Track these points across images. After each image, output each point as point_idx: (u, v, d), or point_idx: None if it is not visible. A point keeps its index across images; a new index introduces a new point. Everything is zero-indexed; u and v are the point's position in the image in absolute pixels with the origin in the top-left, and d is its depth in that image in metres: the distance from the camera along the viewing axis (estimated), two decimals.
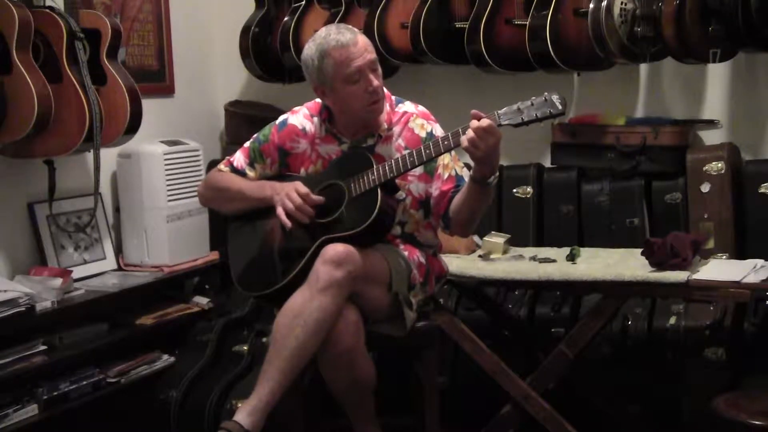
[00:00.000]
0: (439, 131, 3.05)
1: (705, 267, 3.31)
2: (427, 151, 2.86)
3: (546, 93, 2.75)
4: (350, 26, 3.01)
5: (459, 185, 2.97)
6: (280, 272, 2.99)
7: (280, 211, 2.95)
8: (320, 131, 3.09)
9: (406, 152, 2.92)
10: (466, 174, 2.95)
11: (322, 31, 2.98)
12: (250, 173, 3.13)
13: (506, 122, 2.76)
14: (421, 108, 3.12)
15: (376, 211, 2.87)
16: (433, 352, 3.13)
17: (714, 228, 3.72)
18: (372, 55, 2.95)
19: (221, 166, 3.20)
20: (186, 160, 4.08)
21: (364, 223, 2.88)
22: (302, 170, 3.09)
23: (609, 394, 3.64)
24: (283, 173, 3.12)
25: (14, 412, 3.32)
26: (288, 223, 2.94)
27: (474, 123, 2.73)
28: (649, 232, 3.89)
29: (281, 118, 3.16)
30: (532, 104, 2.75)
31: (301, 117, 3.13)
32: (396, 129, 3.05)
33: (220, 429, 2.73)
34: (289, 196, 2.94)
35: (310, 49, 2.98)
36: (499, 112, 2.76)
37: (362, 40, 2.95)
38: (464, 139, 2.74)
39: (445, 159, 2.98)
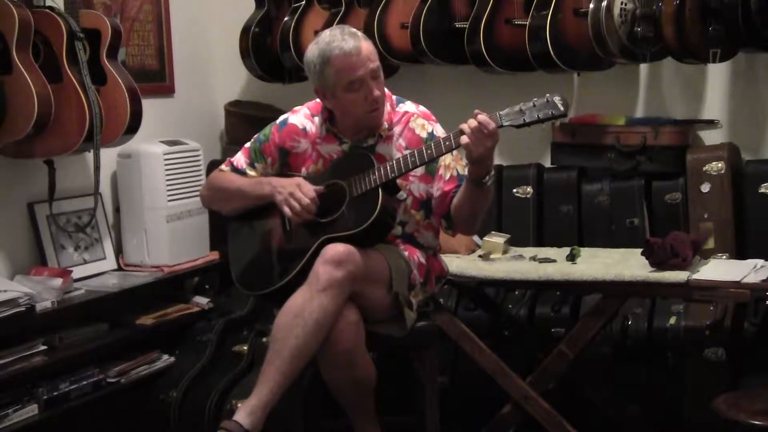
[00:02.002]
0: (440, 131, 3.05)
1: (705, 267, 3.31)
2: (429, 152, 2.86)
3: (548, 94, 2.76)
4: (355, 31, 2.98)
5: (461, 185, 2.97)
6: (281, 271, 2.99)
7: (287, 210, 2.95)
8: (321, 131, 3.09)
9: (407, 152, 2.92)
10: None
11: (327, 36, 2.96)
12: (251, 173, 3.13)
13: (508, 123, 2.76)
14: (421, 108, 3.12)
15: (377, 211, 2.87)
16: (433, 352, 3.13)
17: (714, 228, 3.72)
18: (374, 63, 2.94)
19: (222, 166, 3.20)
20: (186, 160, 4.07)
21: (365, 223, 2.88)
22: (303, 170, 3.09)
23: (609, 394, 3.64)
24: (284, 173, 3.12)
25: (14, 412, 3.31)
26: (299, 220, 2.94)
27: (473, 121, 2.74)
28: (649, 232, 3.89)
29: (281, 117, 3.17)
30: (534, 105, 2.75)
31: (302, 116, 3.13)
32: (397, 129, 3.05)
33: (219, 429, 2.73)
34: (293, 195, 2.93)
35: (312, 53, 2.96)
36: (500, 113, 2.77)
37: (366, 47, 2.93)
38: (464, 127, 2.73)
39: (446, 159, 2.98)
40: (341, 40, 2.91)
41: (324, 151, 3.08)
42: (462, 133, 2.77)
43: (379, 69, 2.97)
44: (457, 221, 2.99)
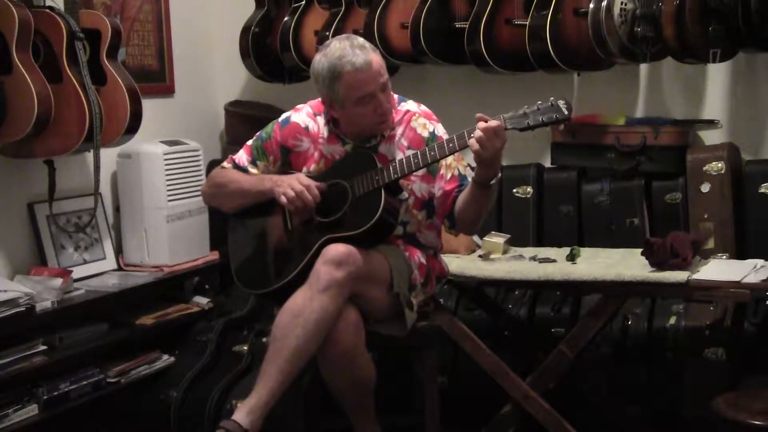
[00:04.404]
0: (441, 131, 3.05)
1: (705, 267, 3.31)
2: (432, 153, 2.87)
3: (552, 98, 2.76)
4: (363, 42, 2.95)
5: (462, 184, 2.97)
6: (281, 271, 2.99)
7: (283, 200, 2.94)
8: (324, 131, 3.08)
9: (410, 153, 2.92)
10: (469, 173, 2.95)
11: (336, 49, 2.91)
12: (253, 170, 3.13)
13: (511, 126, 2.77)
14: (423, 107, 3.12)
15: (379, 212, 2.87)
16: (433, 352, 3.13)
17: (714, 228, 3.71)
18: (384, 77, 2.92)
19: (224, 163, 3.20)
20: (186, 160, 4.08)
21: (367, 224, 2.88)
22: (304, 169, 3.09)
23: (609, 394, 3.64)
24: (285, 171, 3.11)
25: (14, 412, 3.32)
26: (291, 207, 2.94)
27: (482, 124, 2.74)
28: (649, 232, 3.89)
29: (284, 115, 3.16)
30: (538, 109, 2.76)
31: (304, 115, 3.13)
32: (399, 129, 3.05)
33: (218, 428, 2.73)
34: (291, 185, 2.93)
35: (321, 65, 2.93)
36: (504, 116, 2.77)
37: (376, 61, 2.91)
38: (473, 142, 2.74)
39: (447, 159, 2.98)
40: (352, 55, 2.88)
41: (326, 151, 3.08)
42: (468, 135, 2.77)
43: (388, 80, 2.96)
44: (460, 222, 2.99)
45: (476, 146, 2.73)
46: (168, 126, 4.32)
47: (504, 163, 4.11)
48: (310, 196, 2.92)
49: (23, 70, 3.32)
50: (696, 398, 3.41)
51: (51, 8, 3.50)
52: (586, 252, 3.63)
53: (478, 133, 2.73)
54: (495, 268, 3.48)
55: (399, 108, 3.08)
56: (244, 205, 3.11)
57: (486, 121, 2.74)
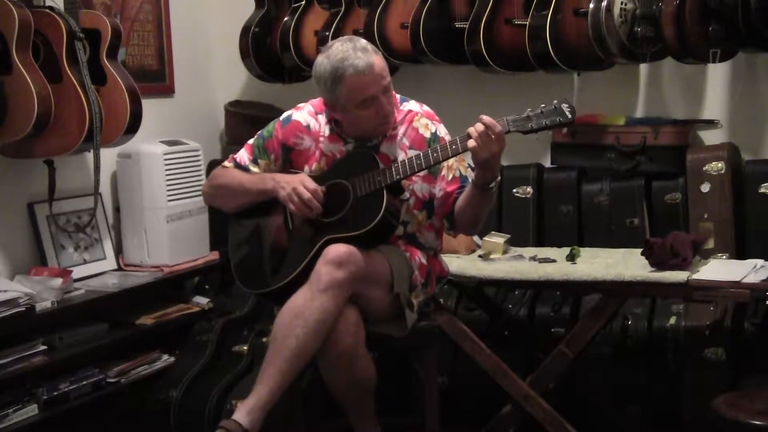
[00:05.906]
0: (443, 132, 3.05)
1: (705, 267, 3.31)
2: (435, 155, 2.87)
3: (555, 101, 2.77)
4: (365, 44, 2.94)
5: (463, 185, 2.97)
6: (282, 271, 2.99)
7: (291, 206, 2.93)
8: (325, 130, 3.08)
9: (413, 155, 2.92)
10: (470, 174, 2.95)
11: (338, 51, 2.90)
12: (254, 169, 3.12)
13: (515, 129, 2.77)
14: (425, 108, 3.12)
15: (381, 213, 2.87)
16: (433, 352, 3.13)
17: (714, 228, 3.72)
18: (386, 79, 2.92)
19: (225, 162, 3.19)
20: (186, 160, 4.08)
21: (369, 225, 2.88)
22: (306, 168, 3.08)
23: (609, 394, 3.64)
24: (287, 170, 3.11)
25: (14, 412, 3.32)
26: (304, 215, 2.93)
27: (479, 125, 2.75)
28: (649, 232, 3.89)
29: (285, 114, 3.15)
30: (542, 112, 2.76)
31: (306, 114, 3.12)
32: (401, 129, 3.05)
33: (218, 428, 2.73)
34: (297, 191, 2.92)
35: (323, 67, 2.92)
36: (508, 118, 2.77)
37: (378, 63, 2.90)
38: (470, 141, 2.74)
39: (449, 160, 2.98)
40: (354, 58, 2.87)
41: (327, 150, 3.07)
42: (469, 136, 2.77)
43: (390, 83, 2.95)
44: (460, 223, 2.99)
45: (473, 144, 2.74)
46: (168, 126, 4.32)
47: (504, 163, 4.11)
48: (318, 204, 2.92)
49: (23, 70, 3.32)
50: (696, 398, 3.41)
51: (51, 8, 3.50)
52: (586, 252, 3.63)
53: (479, 126, 2.73)
54: (495, 268, 3.48)
55: (401, 108, 3.08)
56: (245, 204, 3.10)
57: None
